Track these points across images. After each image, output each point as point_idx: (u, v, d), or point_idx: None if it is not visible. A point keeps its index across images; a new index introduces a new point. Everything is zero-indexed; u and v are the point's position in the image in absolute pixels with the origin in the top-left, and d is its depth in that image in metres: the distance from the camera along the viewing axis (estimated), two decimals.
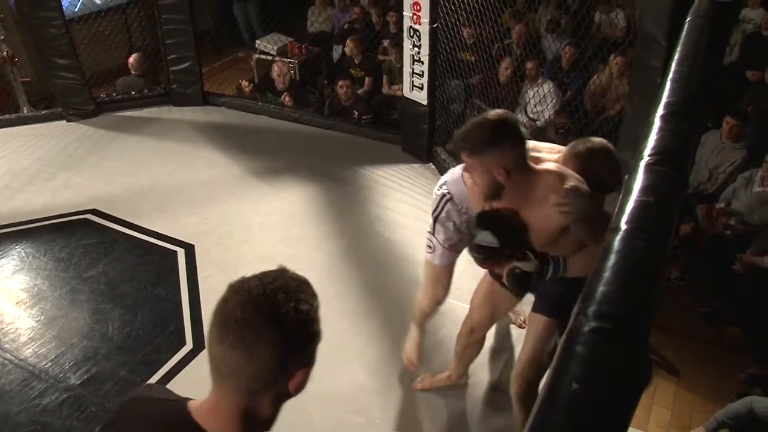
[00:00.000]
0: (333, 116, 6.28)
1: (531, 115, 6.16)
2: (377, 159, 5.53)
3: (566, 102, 6.18)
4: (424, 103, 5.19)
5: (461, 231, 2.81)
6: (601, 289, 0.81)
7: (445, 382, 3.32)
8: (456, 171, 2.74)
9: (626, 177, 1.16)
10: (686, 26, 1.83)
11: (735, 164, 5.15)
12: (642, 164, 1.12)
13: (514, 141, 2.08)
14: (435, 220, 2.84)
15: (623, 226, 0.95)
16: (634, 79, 2.53)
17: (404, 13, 4.88)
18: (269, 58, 7.00)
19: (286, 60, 6.92)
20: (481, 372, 3.44)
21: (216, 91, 6.82)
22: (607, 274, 0.84)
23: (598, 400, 0.68)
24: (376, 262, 4.30)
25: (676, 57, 1.59)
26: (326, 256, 4.31)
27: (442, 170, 5.35)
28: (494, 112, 2.14)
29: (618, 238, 0.92)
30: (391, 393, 3.32)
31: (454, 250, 2.90)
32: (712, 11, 1.96)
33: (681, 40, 1.72)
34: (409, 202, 4.96)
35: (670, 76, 1.48)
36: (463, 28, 5.68)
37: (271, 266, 3.85)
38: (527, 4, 7.34)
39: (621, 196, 1.08)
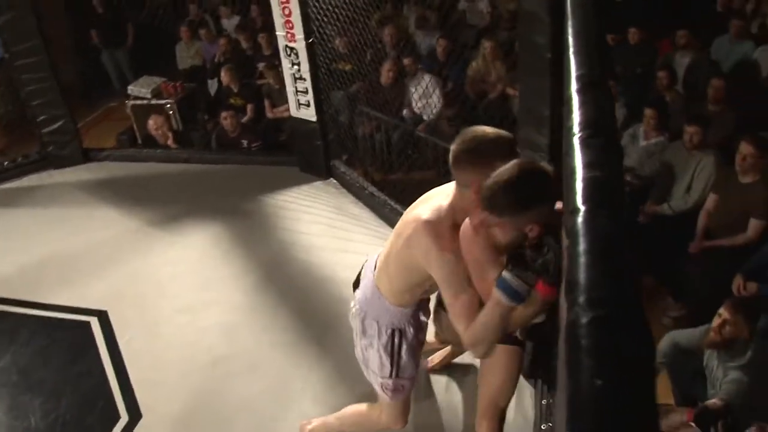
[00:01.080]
0: (222, 150, 6.12)
1: (417, 111, 6.22)
2: (277, 184, 5.42)
3: (450, 93, 6.30)
4: (314, 119, 5.13)
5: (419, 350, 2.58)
6: (583, 276, 0.79)
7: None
8: (367, 290, 2.41)
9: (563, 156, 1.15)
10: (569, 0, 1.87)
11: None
12: (576, 140, 1.11)
13: (548, 197, 1.82)
14: (395, 362, 2.45)
15: (581, 206, 0.92)
16: (522, 58, 2.57)
17: (277, 33, 4.81)
18: (145, 102, 6.75)
19: (161, 102, 6.70)
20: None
21: (96, 146, 6.48)
22: (583, 259, 0.82)
23: (625, 388, 0.65)
24: (298, 288, 4.20)
25: (570, 31, 1.61)
26: (247, 293, 4.18)
27: (344, 183, 5.33)
28: (523, 163, 1.84)
29: (580, 219, 0.90)
30: None
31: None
32: None
33: (569, 14, 1.74)
34: (318, 222, 4.90)
35: (572, 50, 1.50)
36: (335, 39, 5.68)
37: (192, 317, 3.69)
38: (393, 6, 7.41)
39: (565, 177, 1.06)
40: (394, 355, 2.43)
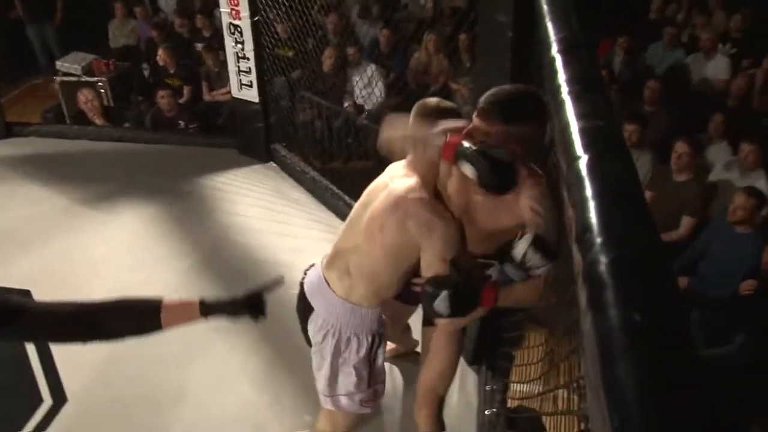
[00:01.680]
0: (158, 130, 5.92)
1: (359, 101, 6.18)
2: (215, 166, 5.27)
3: (392, 83, 6.28)
4: (256, 100, 5.02)
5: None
6: (596, 218, 0.75)
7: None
8: (333, 308, 2.25)
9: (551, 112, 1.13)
10: None
11: None
12: (566, 94, 1.07)
13: (543, 123, 1.79)
14: (372, 368, 2.32)
15: (583, 153, 0.89)
16: (482, 37, 2.56)
17: (222, 9, 4.66)
18: (75, 79, 6.44)
19: (93, 80, 6.42)
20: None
21: (20, 121, 6.15)
22: (593, 203, 0.78)
23: (665, 323, 0.62)
24: (236, 270, 4.08)
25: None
26: (182, 274, 4.03)
27: (285, 167, 5.23)
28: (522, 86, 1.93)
29: (584, 165, 0.86)
30: (284, 405, 3.15)
31: None
32: None
33: None
34: (257, 205, 4.79)
35: (548, 17, 1.47)
36: (276, 24, 5.54)
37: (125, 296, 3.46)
38: None
39: (555, 129, 1.03)
40: (371, 362, 2.30)
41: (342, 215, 4.58)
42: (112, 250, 4.26)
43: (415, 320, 2.95)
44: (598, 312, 0.64)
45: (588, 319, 0.65)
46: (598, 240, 0.72)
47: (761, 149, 4.45)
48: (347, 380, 2.32)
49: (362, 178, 4.98)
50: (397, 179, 2.09)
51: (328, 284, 2.25)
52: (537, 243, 1.91)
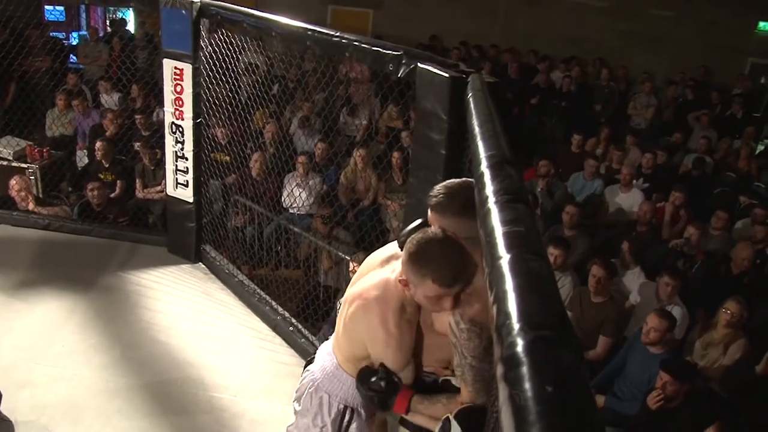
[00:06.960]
0: (86, 220, 5.83)
1: (293, 208, 6.28)
2: (143, 263, 5.19)
3: (325, 194, 6.42)
4: (190, 200, 5.03)
5: None
6: (515, 307, 0.83)
7: None
8: (325, 360, 2.26)
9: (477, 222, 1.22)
10: (472, 99, 2.03)
11: None
12: (492, 204, 1.17)
13: None
14: None
15: (505, 254, 0.98)
16: (416, 153, 2.72)
17: (165, 108, 4.76)
18: (4, 163, 6.34)
19: (23, 165, 6.33)
20: None
21: None
22: (513, 294, 0.86)
23: (573, 391, 0.69)
24: (156, 370, 3.98)
25: (475, 122, 1.75)
26: (100, 370, 3.90)
27: (213, 269, 5.20)
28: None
29: (506, 263, 0.95)
30: None
31: None
32: (485, 87, 2.21)
33: (473, 110, 1.89)
34: (183, 304, 4.72)
35: (479, 136, 1.61)
36: (216, 128, 5.65)
37: (32, 392, 3.40)
38: (279, 107, 7.57)
39: (482, 239, 1.12)
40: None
41: (268, 320, 4.56)
42: (23, 340, 4.09)
43: None
44: (514, 386, 0.71)
45: (506, 392, 0.72)
46: (517, 326, 0.80)
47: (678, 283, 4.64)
48: None
49: (290, 286, 5.00)
50: (385, 264, 2.10)
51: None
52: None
